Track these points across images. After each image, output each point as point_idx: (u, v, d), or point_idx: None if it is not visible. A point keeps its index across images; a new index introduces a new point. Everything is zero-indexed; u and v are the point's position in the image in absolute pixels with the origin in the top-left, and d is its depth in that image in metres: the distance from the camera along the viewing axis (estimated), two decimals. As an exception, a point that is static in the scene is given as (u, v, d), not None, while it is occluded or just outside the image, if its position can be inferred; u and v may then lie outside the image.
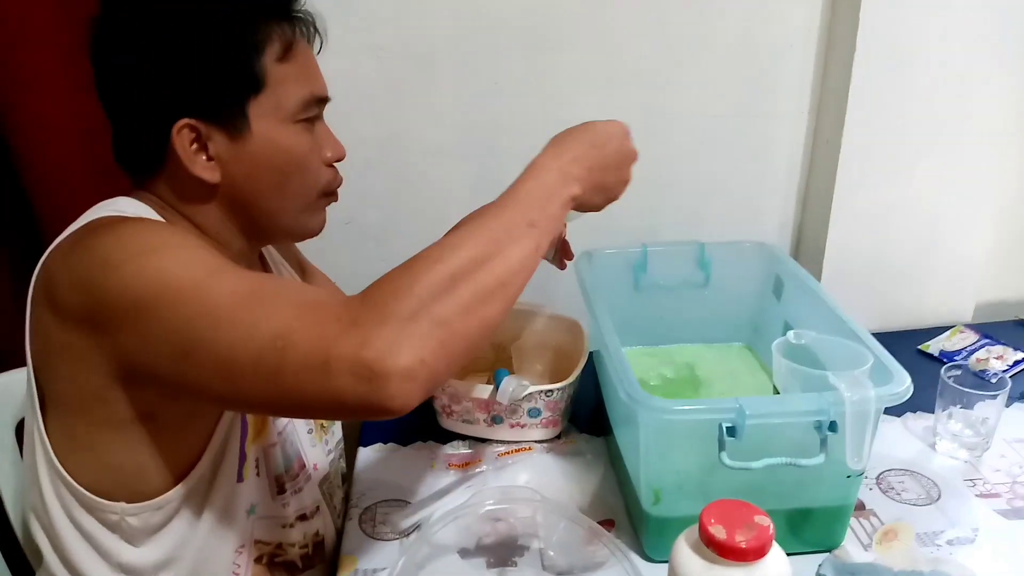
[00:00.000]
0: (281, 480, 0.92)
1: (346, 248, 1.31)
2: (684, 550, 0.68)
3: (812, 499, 0.88)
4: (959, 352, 1.30)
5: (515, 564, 0.90)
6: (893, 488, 1.00)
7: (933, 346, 1.33)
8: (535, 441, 1.11)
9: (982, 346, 1.31)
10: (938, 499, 0.99)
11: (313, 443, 0.98)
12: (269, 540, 0.92)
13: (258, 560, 0.91)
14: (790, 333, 0.95)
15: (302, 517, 0.95)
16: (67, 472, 0.78)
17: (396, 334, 0.61)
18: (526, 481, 1.04)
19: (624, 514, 0.98)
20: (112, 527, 0.79)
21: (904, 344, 1.32)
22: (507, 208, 0.72)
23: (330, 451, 1.03)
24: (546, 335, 1.22)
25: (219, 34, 0.75)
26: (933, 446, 1.08)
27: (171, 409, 0.76)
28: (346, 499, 1.05)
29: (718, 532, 0.64)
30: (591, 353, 1.13)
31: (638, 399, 0.81)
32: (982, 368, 1.23)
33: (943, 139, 1.30)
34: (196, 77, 0.75)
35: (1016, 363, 1.26)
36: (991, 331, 1.35)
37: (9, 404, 0.98)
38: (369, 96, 1.27)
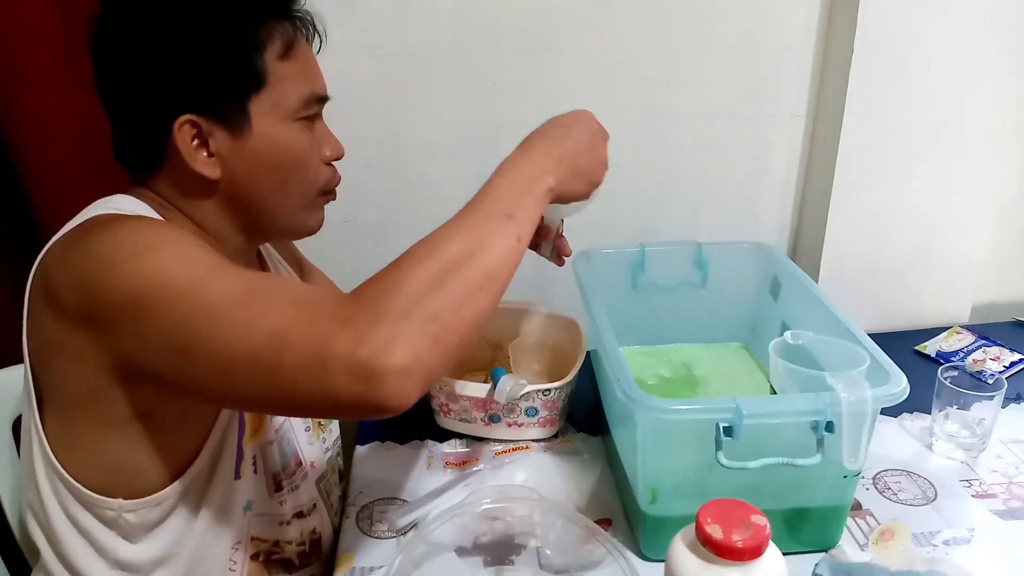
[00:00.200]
0: (278, 478, 0.92)
1: (345, 247, 1.31)
2: (680, 549, 0.68)
3: (809, 499, 0.88)
4: (956, 353, 1.31)
5: (512, 563, 0.90)
6: (890, 488, 1.01)
7: (930, 347, 1.34)
8: (532, 440, 1.11)
9: (979, 347, 1.32)
10: (934, 499, 0.99)
11: (310, 441, 0.98)
12: (266, 537, 0.92)
13: (255, 557, 0.91)
14: (787, 333, 0.96)
15: (299, 515, 0.95)
16: (64, 469, 0.78)
17: (390, 332, 0.61)
18: (523, 480, 1.04)
19: (621, 513, 0.98)
20: (109, 524, 0.80)
21: (901, 345, 1.33)
22: (483, 204, 0.72)
23: (327, 449, 1.03)
24: (544, 334, 1.22)
25: (221, 31, 0.75)
26: (930, 447, 1.08)
27: (169, 407, 0.77)
28: (343, 497, 1.05)
29: (715, 531, 0.65)
30: (589, 352, 1.13)
31: (635, 398, 0.81)
32: (979, 369, 1.24)
33: (941, 140, 1.30)
34: (198, 74, 0.75)
35: (1013, 364, 1.26)
36: (988, 332, 1.35)
37: (6, 401, 0.98)
38: (368, 96, 1.27)
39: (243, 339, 0.64)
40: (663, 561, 0.70)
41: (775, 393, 0.98)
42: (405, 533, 0.96)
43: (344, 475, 1.10)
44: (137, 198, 0.80)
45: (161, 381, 0.70)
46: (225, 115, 0.76)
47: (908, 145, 1.30)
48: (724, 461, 0.79)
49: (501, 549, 0.92)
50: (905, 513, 0.96)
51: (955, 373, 1.06)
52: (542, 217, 0.95)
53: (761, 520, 0.66)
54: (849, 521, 0.94)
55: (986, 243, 1.40)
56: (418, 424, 1.15)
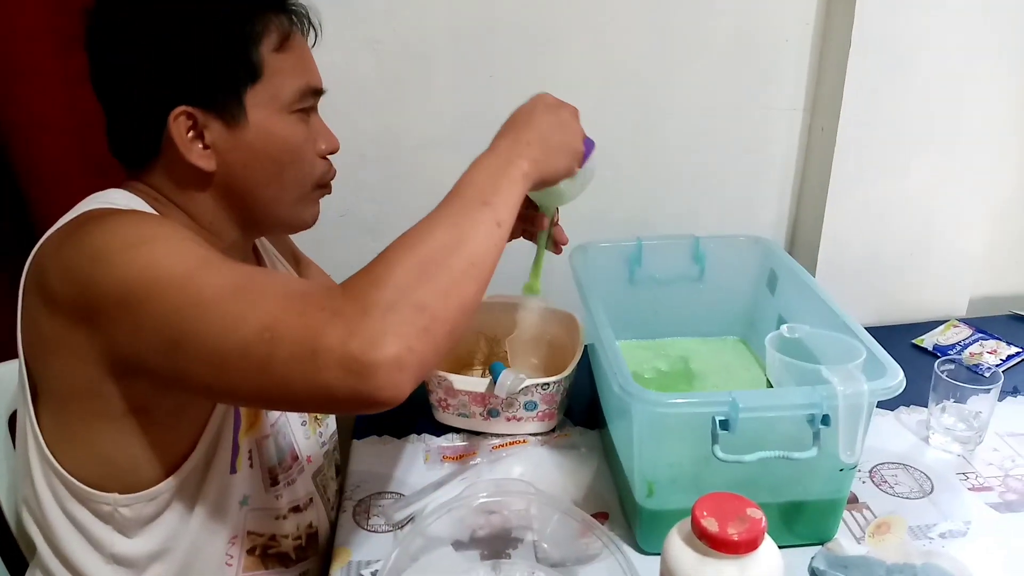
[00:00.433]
0: (274, 472, 0.92)
1: (341, 241, 1.31)
2: (677, 543, 0.68)
3: (805, 492, 0.88)
4: (953, 346, 1.31)
5: (509, 556, 0.90)
6: (886, 481, 1.01)
7: (927, 340, 1.34)
8: (531, 434, 1.12)
9: (976, 340, 1.32)
10: (931, 492, 0.99)
11: (307, 435, 0.98)
12: (262, 532, 0.92)
13: (251, 552, 0.91)
14: (784, 327, 0.95)
15: (295, 509, 0.96)
16: (59, 463, 0.78)
17: (380, 325, 0.61)
18: (520, 474, 1.04)
19: (618, 507, 0.98)
20: (105, 518, 0.80)
21: (898, 338, 1.33)
22: (459, 195, 0.73)
23: (324, 443, 1.03)
24: (541, 328, 1.21)
25: (217, 23, 0.75)
26: (926, 440, 1.08)
27: (163, 401, 0.77)
28: (340, 491, 1.05)
29: (710, 525, 0.65)
30: (586, 346, 1.13)
31: (632, 392, 0.81)
32: (975, 362, 1.24)
33: (938, 134, 1.30)
34: (194, 65, 0.75)
35: (1009, 357, 1.26)
36: (985, 325, 1.36)
37: (1, 396, 0.98)
38: (365, 90, 1.27)
39: (234, 332, 0.64)
40: (659, 555, 0.70)
41: (771, 387, 0.98)
42: (402, 527, 0.96)
43: (341, 469, 1.10)
44: (131, 192, 0.80)
45: (155, 375, 0.70)
46: (221, 107, 0.76)
47: (906, 139, 1.30)
48: (720, 455, 0.79)
49: (498, 543, 0.92)
50: (901, 506, 0.97)
51: (952, 366, 1.06)
52: (536, 207, 0.96)
53: (757, 513, 0.66)
54: (845, 514, 0.94)
55: (983, 236, 1.40)
56: (415, 418, 1.15)
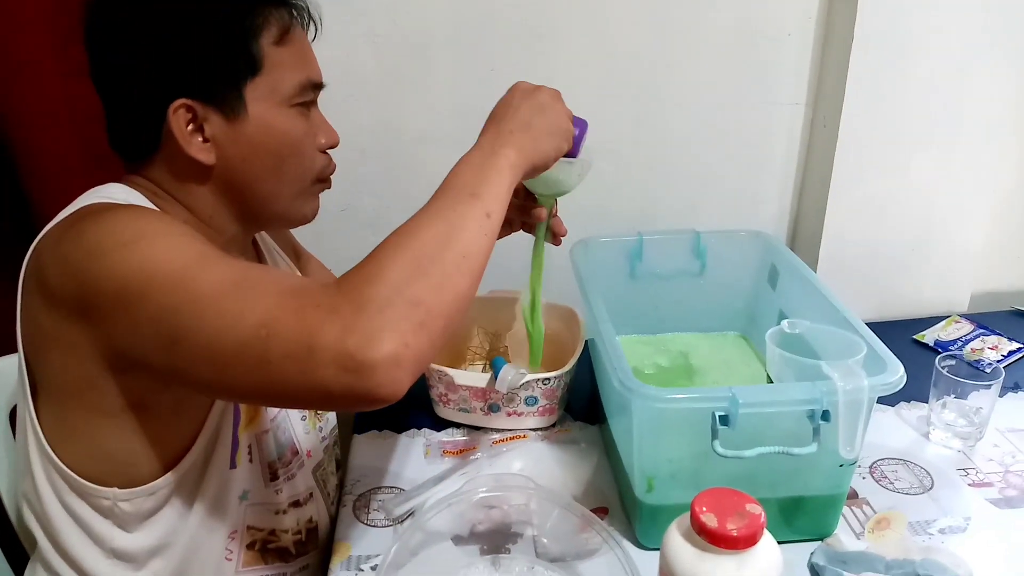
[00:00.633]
0: (274, 467, 0.92)
1: (341, 235, 1.31)
2: (676, 538, 0.68)
3: (805, 488, 0.88)
4: (954, 342, 1.31)
5: (508, 551, 0.90)
6: (886, 477, 1.01)
7: (928, 336, 1.33)
8: (531, 429, 1.12)
9: (977, 336, 1.31)
10: (931, 488, 0.99)
11: (307, 430, 0.98)
12: (262, 527, 0.92)
13: (251, 546, 0.91)
14: (784, 322, 0.95)
15: (295, 503, 0.96)
16: (59, 458, 0.78)
17: (376, 321, 0.62)
18: (520, 469, 1.04)
19: (617, 502, 0.98)
20: (105, 513, 0.80)
21: (899, 334, 1.33)
22: (448, 190, 0.73)
23: (324, 438, 1.03)
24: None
25: (218, 16, 0.75)
26: (927, 435, 1.08)
27: (162, 397, 0.76)
28: (340, 486, 1.05)
29: (709, 520, 0.65)
30: (587, 341, 1.13)
31: (632, 387, 0.81)
32: (976, 358, 1.24)
33: (940, 129, 1.29)
34: (194, 58, 0.75)
35: (1010, 353, 1.26)
36: (986, 321, 1.35)
37: (1, 390, 0.98)
38: (365, 84, 1.27)
39: (231, 329, 0.64)
40: (659, 550, 0.70)
41: (772, 382, 0.98)
42: (402, 521, 0.96)
43: (341, 464, 1.11)
44: (131, 186, 0.80)
45: (153, 371, 0.70)
46: (220, 100, 0.76)
47: (907, 134, 1.30)
48: (720, 450, 0.79)
49: (498, 537, 0.92)
50: (901, 502, 0.96)
51: (953, 362, 1.06)
52: (535, 199, 0.96)
53: (756, 509, 0.66)
54: (845, 510, 0.94)
55: (985, 232, 1.39)
56: (415, 413, 1.15)
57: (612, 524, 0.94)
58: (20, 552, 0.95)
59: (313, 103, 0.85)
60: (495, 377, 1.05)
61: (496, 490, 0.92)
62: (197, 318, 0.65)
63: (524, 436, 1.11)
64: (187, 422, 0.81)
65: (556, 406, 1.11)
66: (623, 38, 1.29)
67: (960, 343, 1.30)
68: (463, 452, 1.08)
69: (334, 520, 1.00)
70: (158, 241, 0.69)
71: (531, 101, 0.82)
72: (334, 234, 1.27)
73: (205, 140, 0.78)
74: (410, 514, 0.97)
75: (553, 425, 1.13)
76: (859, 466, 1.02)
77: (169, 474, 0.80)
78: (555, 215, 0.98)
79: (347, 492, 1.02)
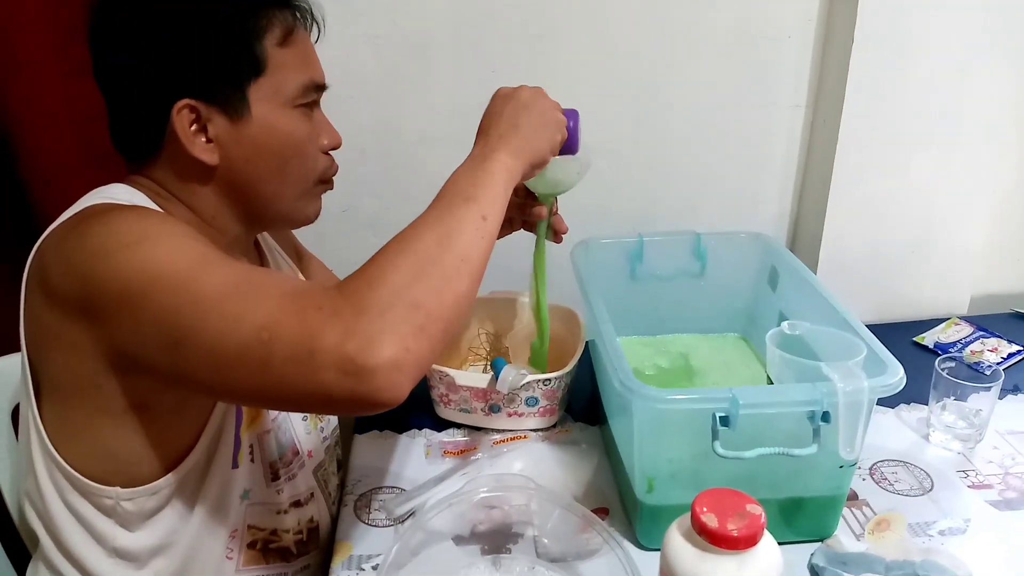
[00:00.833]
0: (275, 467, 0.92)
1: (343, 236, 1.31)
2: (676, 538, 0.68)
3: (805, 489, 0.88)
4: (954, 344, 1.31)
5: (509, 551, 0.90)
6: (886, 479, 1.01)
7: (928, 338, 1.34)
8: (532, 430, 1.12)
9: (977, 338, 1.32)
10: (931, 490, 0.99)
11: (308, 430, 0.98)
12: (263, 526, 0.92)
13: (252, 545, 0.91)
14: (784, 323, 0.95)
15: (296, 503, 0.96)
16: (61, 457, 0.78)
17: (376, 325, 0.62)
18: (521, 469, 1.04)
19: (618, 502, 0.99)
20: (107, 512, 0.80)
21: (899, 336, 1.33)
22: (444, 197, 0.74)
23: (325, 438, 1.03)
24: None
25: (222, 17, 0.76)
26: (926, 437, 1.09)
27: (165, 397, 0.77)
28: (341, 486, 1.06)
29: (710, 520, 0.65)
30: (587, 343, 1.13)
31: (633, 388, 0.81)
32: (976, 360, 1.24)
33: (940, 131, 1.30)
34: (198, 58, 0.75)
35: (1010, 356, 1.26)
36: (986, 323, 1.36)
37: (4, 389, 0.98)
38: (365, 84, 1.27)
39: (233, 332, 0.64)
40: (659, 550, 0.70)
41: (772, 383, 0.98)
42: (403, 521, 0.96)
43: (342, 464, 1.11)
44: (134, 187, 0.80)
45: (155, 372, 0.71)
46: (224, 100, 0.77)
47: (907, 136, 1.30)
48: (720, 451, 0.79)
49: (498, 537, 0.92)
50: (901, 503, 0.97)
51: (952, 364, 1.06)
52: (535, 196, 0.96)
53: (756, 509, 0.66)
54: (845, 511, 0.94)
55: (985, 234, 1.40)
56: (416, 414, 1.16)
57: (612, 525, 0.95)
58: (22, 551, 0.95)
59: (316, 104, 0.85)
60: (496, 378, 1.06)
61: (497, 490, 0.92)
62: (199, 320, 0.65)
63: (525, 437, 1.11)
64: (189, 422, 0.81)
65: (557, 407, 1.11)
66: (623, 38, 1.29)
67: (960, 345, 1.30)
68: (464, 452, 1.08)
69: (335, 520, 1.01)
70: (161, 243, 0.69)
71: (513, 103, 0.83)
72: (335, 235, 1.27)
73: (208, 140, 0.78)
74: (411, 514, 0.97)
75: (554, 426, 1.13)
76: (859, 468, 1.02)
77: (171, 474, 0.80)
78: (556, 213, 0.99)
79: (348, 492, 1.02)
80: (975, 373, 1.07)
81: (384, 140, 1.31)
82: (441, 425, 1.14)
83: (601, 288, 1.02)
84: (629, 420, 0.86)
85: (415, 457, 1.09)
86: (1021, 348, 1.28)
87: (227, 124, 0.77)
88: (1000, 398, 1.06)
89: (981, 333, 1.33)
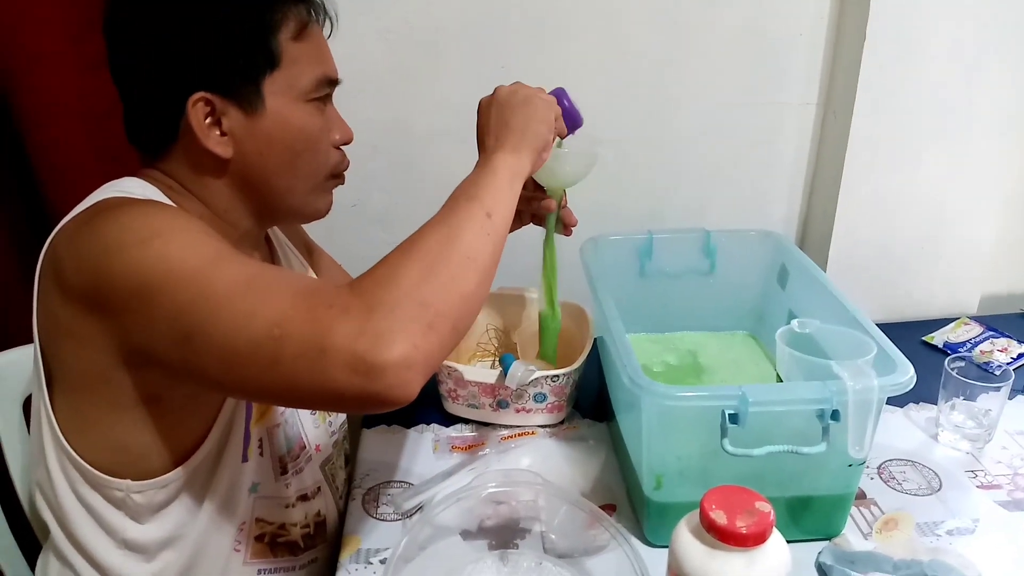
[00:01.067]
0: (283, 461, 0.93)
1: (352, 231, 1.32)
2: (685, 535, 0.68)
3: (813, 487, 0.88)
4: (963, 344, 1.30)
5: (516, 546, 0.91)
6: (894, 478, 1.01)
7: (937, 337, 1.33)
8: (540, 426, 1.12)
9: (986, 338, 1.31)
10: (939, 489, 0.99)
11: (316, 424, 0.99)
12: (271, 520, 0.92)
13: (259, 538, 0.91)
14: (794, 322, 0.95)
15: (303, 497, 0.96)
16: (73, 449, 0.78)
17: (386, 324, 0.63)
18: (529, 465, 1.04)
19: (625, 499, 0.99)
20: (117, 504, 0.80)
21: (909, 335, 1.32)
22: (449, 202, 0.76)
23: (333, 432, 1.03)
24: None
25: (237, 10, 0.76)
26: (935, 437, 1.08)
27: (176, 392, 0.77)
28: (349, 480, 1.06)
29: (719, 517, 0.65)
30: (595, 339, 1.13)
31: (642, 384, 0.81)
32: (986, 360, 1.24)
33: (951, 130, 1.29)
34: (213, 52, 0.75)
35: (1020, 355, 1.25)
36: (996, 323, 1.35)
37: (17, 381, 0.99)
38: (376, 79, 1.27)
39: (244, 328, 0.65)
40: (667, 547, 0.70)
41: (781, 382, 0.98)
42: (411, 516, 0.97)
43: (350, 458, 1.11)
44: (147, 181, 0.81)
45: (167, 367, 0.71)
46: (239, 94, 0.77)
47: (918, 134, 1.29)
48: (729, 448, 0.79)
49: (506, 533, 0.92)
50: (909, 503, 0.96)
51: (962, 364, 1.06)
52: (543, 189, 0.97)
53: (765, 507, 0.66)
54: (853, 510, 0.94)
55: (995, 234, 1.39)
56: (424, 408, 1.16)
57: (620, 521, 0.95)
58: (33, 541, 0.96)
59: (328, 99, 0.85)
60: (504, 373, 1.06)
61: (505, 486, 0.92)
62: (211, 316, 0.66)
63: (533, 432, 1.11)
64: (200, 416, 0.82)
65: (565, 403, 1.12)
66: (634, 37, 1.29)
67: (969, 345, 1.30)
68: (472, 448, 1.09)
69: (343, 514, 1.01)
70: (174, 238, 0.70)
71: (496, 106, 0.85)
72: (345, 229, 1.28)
73: (223, 134, 0.78)
74: (419, 509, 0.97)
75: (562, 422, 1.13)
76: (867, 467, 1.02)
77: (181, 467, 0.81)
78: (565, 206, 0.99)
79: (356, 486, 1.02)
80: (985, 373, 1.07)
81: (394, 136, 1.31)
82: (449, 420, 1.15)
83: (610, 285, 1.02)
84: (638, 417, 0.87)
85: (423, 452, 1.09)
86: (1031, 348, 1.27)
87: (241, 117, 0.78)
88: (1010, 398, 1.06)
89: (991, 333, 1.32)
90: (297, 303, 0.65)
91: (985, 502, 0.96)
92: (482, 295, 0.72)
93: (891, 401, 0.90)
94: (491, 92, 0.87)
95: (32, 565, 0.93)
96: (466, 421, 1.14)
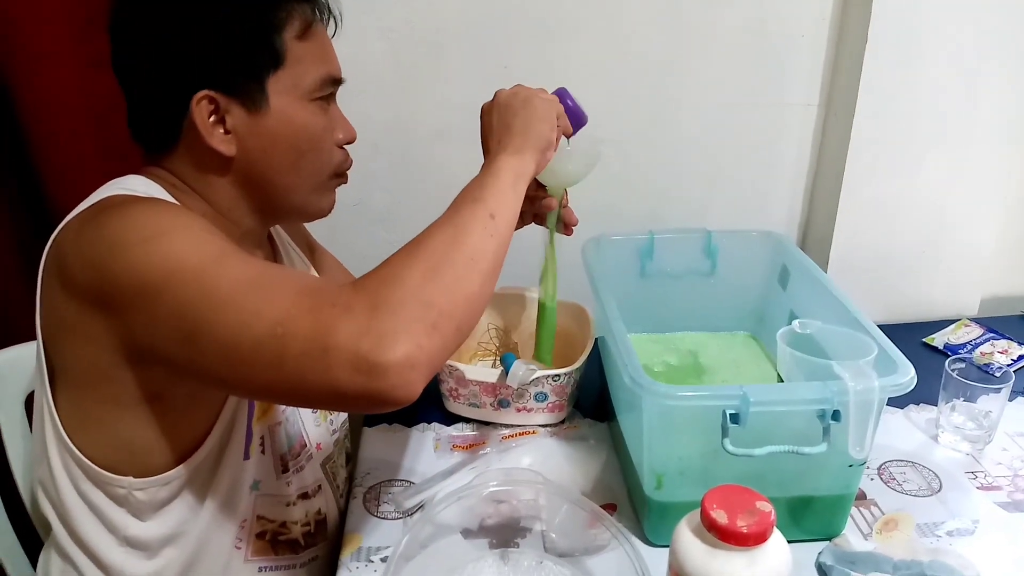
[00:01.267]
0: (285, 459, 0.93)
1: (354, 230, 1.32)
2: (686, 535, 0.68)
3: (814, 487, 0.88)
4: (964, 345, 1.30)
5: (517, 545, 0.91)
6: (895, 479, 1.01)
7: (938, 339, 1.33)
8: (540, 425, 1.12)
9: (987, 340, 1.31)
10: (939, 490, 0.99)
11: (317, 423, 0.99)
12: (272, 518, 0.92)
13: (260, 536, 0.92)
14: (795, 322, 0.96)
15: (303, 495, 0.96)
16: (75, 446, 0.79)
17: (389, 322, 0.63)
18: (529, 464, 1.04)
19: (626, 498, 0.99)
20: (119, 501, 0.80)
21: (909, 336, 1.32)
22: (453, 204, 0.76)
23: (334, 431, 1.03)
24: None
25: (242, 9, 0.76)
26: (935, 438, 1.08)
27: (178, 389, 0.77)
28: (350, 478, 1.06)
29: (720, 517, 0.65)
30: (596, 339, 1.13)
31: (643, 384, 0.81)
32: (986, 362, 1.24)
33: (952, 132, 1.29)
34: (218, 50, 0.76)
35: (1020, 357, 1.26)
36: (996, 325, 1.35)
37: (19, 377, 0.99)
38: (379, 79, 1.27)
39: (248, 327, 0.65)
40: (667, 546, 0.70)
41: (782, 382, 0.99)
42: (412, 514, 0.97)
43: (351, 457, 1.11)
44: (150, 179, 0.81)
45: (170, 365, 0.71)
46: (243, 92, 0.77)
47: (919, 136, 1.29)
48: (730, 448, 0.80)
49: (507, 532, 0.93)
50: (910, 504, 0.97)
51: (962, 365, 1.06)
52: (544, 188, 0.97)
53: (766, 506, 0.66)
54: (853, 510, 0.94)
55: (996, 235, 1.39)
56: (425, 407, 1.16)
57: (621, 520, 0.95)
58: (35, 538, 0.96)
59: (332, 98, 0.85)
60: (505, 373, 1.06)
61: (505, 485, 0.92)
62: (215, 314, 0.66)
63: (533, 432, 1.11)
64: (202, 414, 0.82)
65: (566, 402, 1.12)
66: (636, 37, 1.29)
67: (970, 347, 1.30)
68: (472, 447, 1.09)
69: (344, 512, 1.01)
70: (178, 237, 0.70)
71: (497, 110, 0.85)
72: (347, 228, 1.28)
73: (226, 132, 0.78)
74: (420, 507, 0.97)
75: (562, 421, 1.13)
76: (867, 467, 1.02)
77: (183, 465, 0.81)
78: (566, 206, 0.99)
79: (357, 485, 1.02)
80: (985, 375, 1.07)
81: (396, 135, 1.32)
82: (450, 419, 1.15)
83: (611, 285, 1.02)
84: (639, 416, 0.87)
85: (424, 451, 1.09)
86: (1032, 350, 1.27)
87: (245, 116, 0.78)
88: (1010, 400, 1.06)
89: (991, 335, 1.33)
90: (300, 302, 0.65)
91: (985, 503, 0.97)
92: (486, 296, 0.72)
93: (891, 402, 0.90)
94: (492, 96, 0.87)
95: (34, 562, 0.93)
96: (467, 420, 1.14)
